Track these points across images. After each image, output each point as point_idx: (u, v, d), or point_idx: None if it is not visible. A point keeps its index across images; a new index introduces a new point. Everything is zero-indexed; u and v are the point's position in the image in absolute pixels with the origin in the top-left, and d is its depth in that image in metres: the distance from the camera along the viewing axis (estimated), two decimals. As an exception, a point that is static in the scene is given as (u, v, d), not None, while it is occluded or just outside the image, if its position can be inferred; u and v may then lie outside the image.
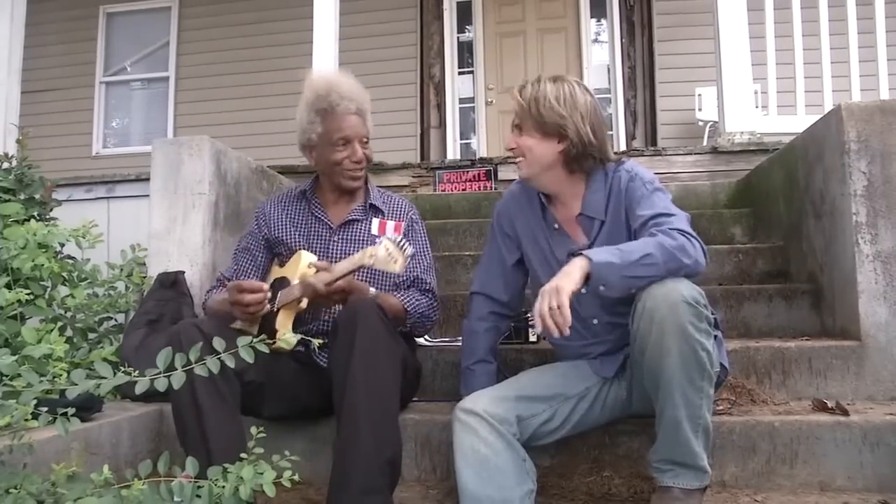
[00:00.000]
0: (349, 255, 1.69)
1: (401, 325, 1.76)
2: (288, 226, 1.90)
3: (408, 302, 1.77)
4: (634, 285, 1.42)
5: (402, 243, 1.51)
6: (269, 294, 1.60)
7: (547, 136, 1.60)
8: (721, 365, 1.59)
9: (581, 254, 1.42)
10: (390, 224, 1.87)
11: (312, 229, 1.88)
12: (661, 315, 1.37)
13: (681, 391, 1.39)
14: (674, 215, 1.51)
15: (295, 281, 1.69)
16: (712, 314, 1.47)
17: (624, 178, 1.61)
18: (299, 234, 1.88)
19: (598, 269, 1.38)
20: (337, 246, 1.84)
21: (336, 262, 1.65)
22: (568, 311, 1.35)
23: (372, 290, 1.72)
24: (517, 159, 1.67)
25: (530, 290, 1.83)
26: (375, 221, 1.87)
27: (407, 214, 1.92)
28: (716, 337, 1.54)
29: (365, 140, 1.85)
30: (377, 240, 1.55)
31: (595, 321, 1.64)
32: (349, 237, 1.86)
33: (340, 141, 1.81)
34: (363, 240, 1.83)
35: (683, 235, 1.44)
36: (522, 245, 1.77)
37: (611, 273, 1.39)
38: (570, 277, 1.38)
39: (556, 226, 1.69)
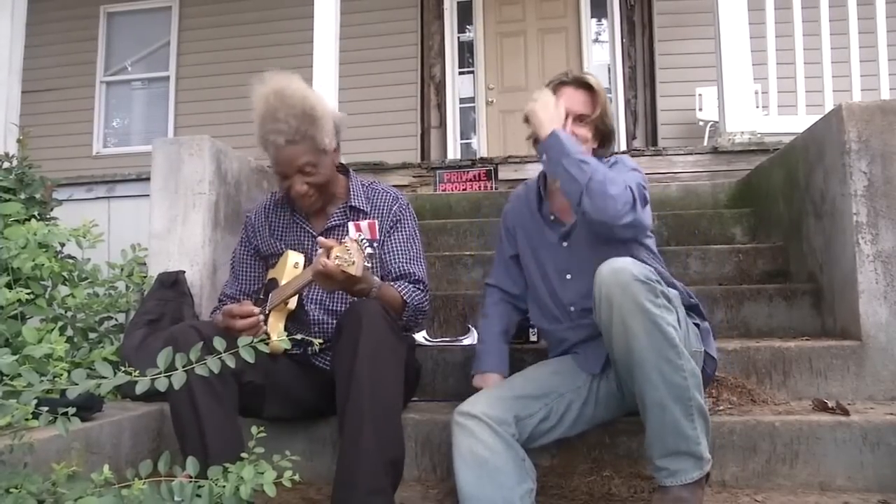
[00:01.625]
0: None
1: (398, 318, 1.74)
2: (272, 237, 1.86)
3: (406, 293, 1.73)
4: (562, 177, 1.56)
5: (362, 242, 1.46)
6: (262, 317, 1.59)
7: (596, 133, 1.72)
8: (709, 355, 1.61)
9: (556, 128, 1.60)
10: (364, 224, 1.80)
11: (295, 238, 1.84)
12: (618, 299, 1.39)
13: (657, 371, 1.37)
14: (633, 184, 1.59)
15: (283, 281, 1.70)
16: (691, 297, 1.58)
17: (611, 161, 1.74)
18: (284, 245, 1.83)
19: (554, 139, 1.58)
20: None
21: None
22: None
23: (376, 279, 1.65)
24: None
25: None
26: (351, 226, 1.80)
27: (391, 210, 1.84)
28: (698, 325, 1.59)
29: (307, 169, 1.70)
30: (343, 241, 1.47)
31: (572, 308, 1.71)
32: None
33: (279, 174, 1.74)
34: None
35: (626, 184, 1.53)
36: (517, 239, 1.86)
37: (558, 151, 1.57)
38: (548, 112, 1.62)
39: (552, 217, 1.78)
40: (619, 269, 1.40)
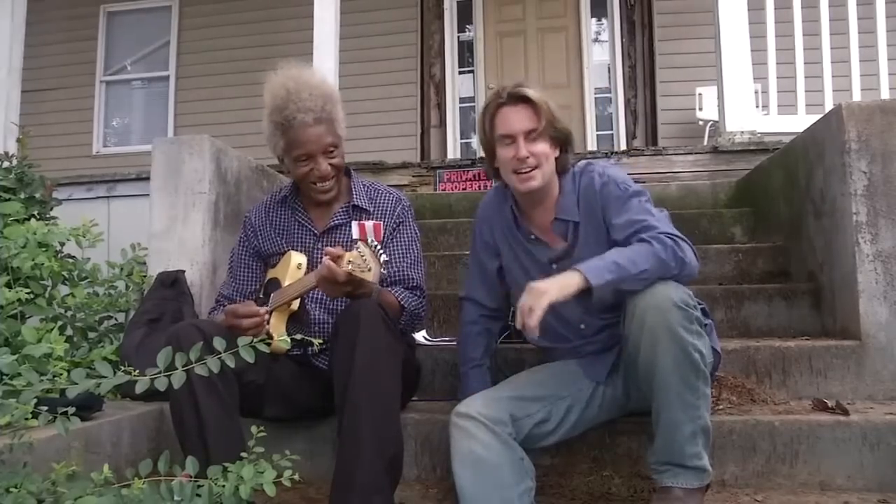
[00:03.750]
0: None
1: (396, 323, 1.74)
2: (273, 235, 1.85)
3: (404, 299, 1.73)
4: (627, 294, 1.43)
5: (377, 249, 1.45)
6: (267, 317, 1.58)
7: (553, 142, 1.60)
8: (714, 350, 1.59)
9: (579, 270, 1.39)
10: (369, 225, 1.78)
11: (297, 237, 1.82)
12: (652, 320, 1.38)
13: (676, 394, 1.40)
14: (654, 218, 1.51)
15: (286, 282, 1.70)
16: (699, 304, 1.49)
17: (597, 182, 1.60)
18: (286, 243, 1.82)
19: (598, 291, 1.38)
20: (321, 253, 1.67)
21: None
22: (539, 316, 1.35)
23: (375, 284, 1.61)
24: (529, 170, 1.56)
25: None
26: (355, 225, 1.79)
27: (394, 211, 1.83)
28: (704, 325, 1.55)
29: (331, 150, 1.72)
30: (355, 245, 1.47)
31: (583, 326, 1.65)
32: (333, 244, 1.75)
33: (302, 157, 1.71)
34: (346, 246, 1.70)
35: (671, 239, 1.44)
36: (503, 254, 1.76)
37: (608, 290, 1.39)
38: (561, 289, 1.38)
39: (533, 236, 1.68)
40: (658, 292, 1.39)
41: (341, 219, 1.81)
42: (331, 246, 1.61)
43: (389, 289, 1.74)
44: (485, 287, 1.80)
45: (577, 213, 1.62)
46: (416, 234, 1.87)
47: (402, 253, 1.81)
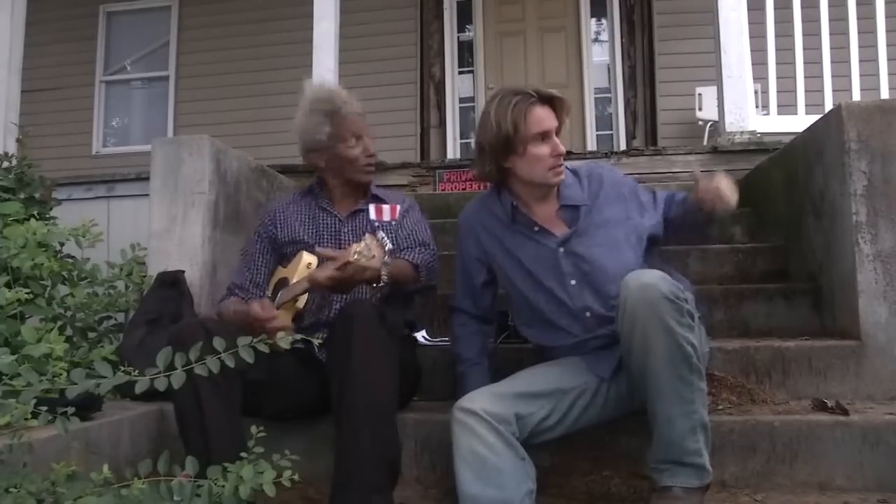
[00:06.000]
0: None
1: (416, 283, 1.82)
2: (296, 224, 1.92)
3: (415, 256, 1.82)
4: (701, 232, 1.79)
5: (382, 239, 1.54)
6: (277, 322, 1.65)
7: None
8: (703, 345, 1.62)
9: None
10: (386, 207, 1.94)
11: (321, 221, 1.92)
12: (643, 314, 1.39)
13: (670, 388, 1.40)
14: None
15: (294, 281, 1.71)
16: (686, 302, 1.51)
17: (606, 174, 1.76)
18: (307, 229, 1.90)
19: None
20: (348, 236, 1.88)
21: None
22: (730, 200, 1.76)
23: (386, 258, 1.59)
24: (561, 165, 1.67)
25: (503, 291, 1.85)
26: (372, 207, 1.93)
27: (404, 201, 2.00)
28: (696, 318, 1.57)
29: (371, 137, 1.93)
30: (363, 238, 1.57)
31: (588, 314, 1.64)
32: (358, 226, 1.90)
33: (353, 138, 1.87)
34: (366, 229, 1.89)
35: None
36: (496, 259, 1.77)
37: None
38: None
39: (537, 227, 1.71)
40: (648, 285, 1.40)
41: (363, 206, 1.94)
42: (353, 230, 1.87)
43: (401, 253, 1.82)
44: (470, 298, 1.86)
45: (586, 198, 1.71)
46: (424, 220, 2.01)
47: (412, 226, 1.94)
